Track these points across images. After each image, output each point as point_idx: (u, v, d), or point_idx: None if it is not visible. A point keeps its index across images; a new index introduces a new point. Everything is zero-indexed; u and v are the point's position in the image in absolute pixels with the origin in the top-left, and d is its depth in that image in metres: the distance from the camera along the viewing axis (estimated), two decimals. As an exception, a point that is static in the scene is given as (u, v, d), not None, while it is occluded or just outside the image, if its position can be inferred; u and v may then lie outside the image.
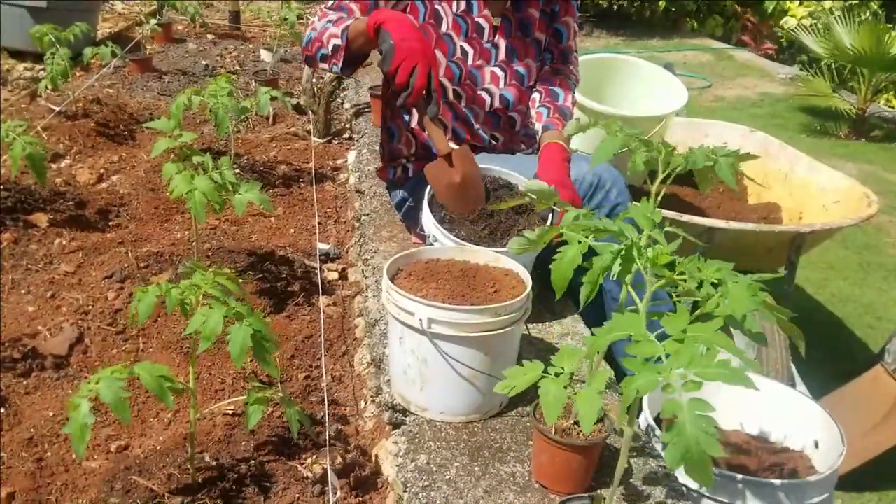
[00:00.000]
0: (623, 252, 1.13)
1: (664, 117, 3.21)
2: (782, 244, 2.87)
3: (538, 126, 2.19)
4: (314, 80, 3.92)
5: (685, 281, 1.13)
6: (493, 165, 2.08)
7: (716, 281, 1.12)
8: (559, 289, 1.21)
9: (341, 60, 1.99)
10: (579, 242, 1.20)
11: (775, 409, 2.06)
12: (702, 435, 0.90)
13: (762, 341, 1.14)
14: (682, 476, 1.81)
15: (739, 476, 1.78)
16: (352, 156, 3.39)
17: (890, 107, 6.63)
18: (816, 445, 1.98)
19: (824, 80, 6.30)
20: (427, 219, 1.92)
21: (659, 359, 0.99)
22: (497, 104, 2.23)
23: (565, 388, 1.22)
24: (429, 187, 2.00)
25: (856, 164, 5.38)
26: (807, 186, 3.27)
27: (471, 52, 2.16)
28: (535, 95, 2.25)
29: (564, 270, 1.18)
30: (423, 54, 1.83)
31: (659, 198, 1.56)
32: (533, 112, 2.24)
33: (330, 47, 1.99)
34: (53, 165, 3.04)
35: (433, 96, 1.88)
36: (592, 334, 1.11)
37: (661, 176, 1.54)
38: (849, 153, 5.70)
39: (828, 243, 3.56)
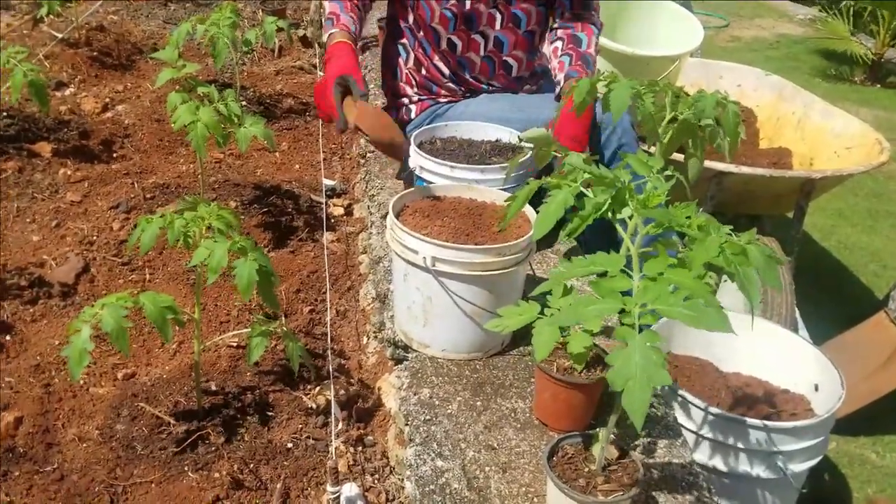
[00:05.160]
0: (615, 194, 1.15)
1: (678, 58, 3.15)
2: (792, 190, 2.85)
3: (560, 76, 2.12)
4: (322, 11, 3.84)
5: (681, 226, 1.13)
6: (483, 123, 2.08)
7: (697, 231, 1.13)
8: (540, 231, 1.21)
9: None
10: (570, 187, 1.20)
11: (777, 353, 2.08)
12: (649, 363, 0.94)
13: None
14: (680, 417, 1.83)
15: (737, 417, 1.80)
16: (359, 90, 3.34)
17: (909, 51, 6.48)
18: (816, 389, 2.00)
19: (843, 22, 6.15)
20: (413, 152, 1.91)
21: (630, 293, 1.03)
22: (491, 47, 2.19)
23: (561, 329, 1.23)
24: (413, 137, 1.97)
25: (870, 110, 5.30)
26: (820, 131, 3.22)
27: None
28: (558, 44, 2.17)
29: (551, 215, 1.19)
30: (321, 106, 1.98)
31: (666, 139, 1.54)
32: (555, 62, 2.16)
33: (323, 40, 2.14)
34: (57, 94, 3.01)
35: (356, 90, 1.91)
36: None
37: (668, 117, 1.52)
38: (863, 98, 5.61)
39: (837, 189, 3.53)
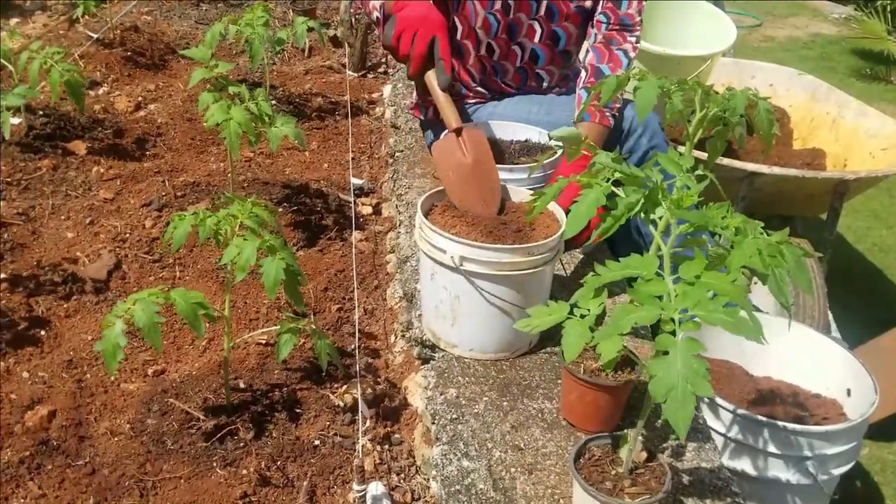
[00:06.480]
0: (647, 194, 1.13)
1: (710, 57, 3.12)
2: (825, 191, 2.81)
3: (576, 113, 2.10)
4: (352, 12, 3.85)
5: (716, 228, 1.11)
6: (511, 122, 2.06)
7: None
8: (572, 230, 1.20)
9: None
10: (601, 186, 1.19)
11: (808, 357, 2.05)
12: (691, 373, 0.91)
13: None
14: (710, 419, 1.81)
15: (768, 420, 1.78)
16: (387, 90, 3.35)
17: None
18: (849, 394, 1.97)
19: (880, 21, 6.04)
20: None
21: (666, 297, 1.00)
22: (526, 59, 2.19)
23: (591, 329, 1.22)
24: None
25: (907, 111, 5.19)
26: (855, 132, 3.17)
27: (513, 4, 2.11)
28: (582, 73, 2.14)
29: (583, 214, 1.17)
30: (424, 21, 1.75)
31: (696, 139, 1.52)
32: (577, 92, 2.13)
33: (374, 17, 2.00)
34: (91, 93, 3.05)
35: (440, 65, 1.78)
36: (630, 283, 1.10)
37: (698, 116, 1.50)
38: (900, 99, 5.50)
39: (872, 191, 3.47)
